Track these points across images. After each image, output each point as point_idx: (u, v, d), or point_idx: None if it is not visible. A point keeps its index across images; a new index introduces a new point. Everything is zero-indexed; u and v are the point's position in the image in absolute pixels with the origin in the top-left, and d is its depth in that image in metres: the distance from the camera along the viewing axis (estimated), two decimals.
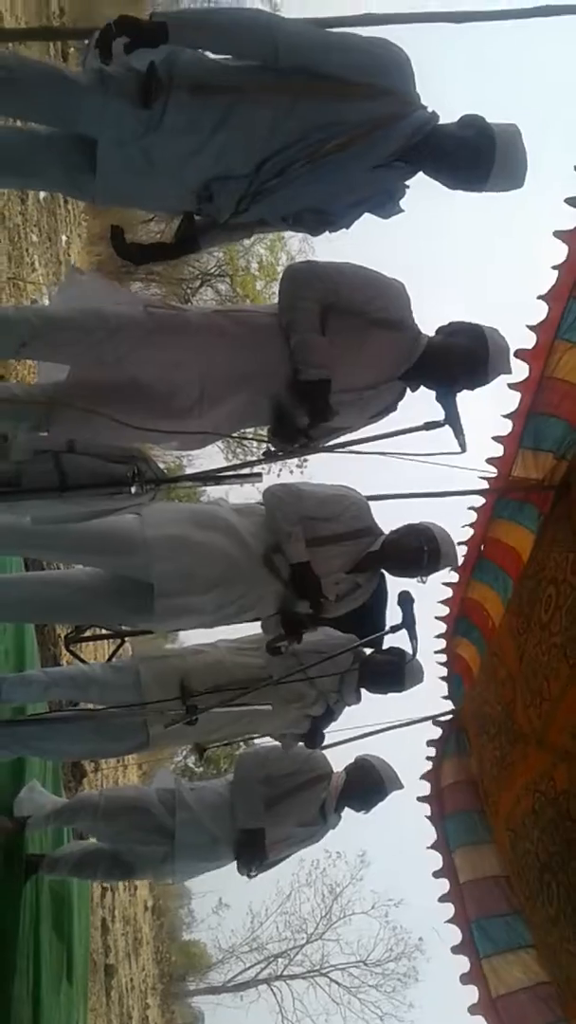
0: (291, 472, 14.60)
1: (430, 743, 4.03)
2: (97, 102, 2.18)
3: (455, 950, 3.56)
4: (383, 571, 3.24)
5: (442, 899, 3.70)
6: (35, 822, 3.63)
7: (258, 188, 2.31)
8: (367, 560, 3.14)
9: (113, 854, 3.83)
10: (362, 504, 3.15)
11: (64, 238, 8.84)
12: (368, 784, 3.75)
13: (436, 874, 3.76)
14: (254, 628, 3.48)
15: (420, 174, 2.48)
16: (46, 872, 3.81)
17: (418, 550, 3.09)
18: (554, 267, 2.65)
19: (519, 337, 2.81)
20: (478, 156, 2.34)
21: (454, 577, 3.67)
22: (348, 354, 2.59)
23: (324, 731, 3.68)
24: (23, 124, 2.52)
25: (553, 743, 2.98)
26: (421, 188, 2.51)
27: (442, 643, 3.94)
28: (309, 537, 2.99)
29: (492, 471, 3.20)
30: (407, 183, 2.49)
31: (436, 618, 3.83)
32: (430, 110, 2.37)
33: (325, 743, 3.80)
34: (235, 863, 3.80)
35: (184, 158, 2.27)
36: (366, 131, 2.27)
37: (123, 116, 2.20)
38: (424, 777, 4.01)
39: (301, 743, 3.66)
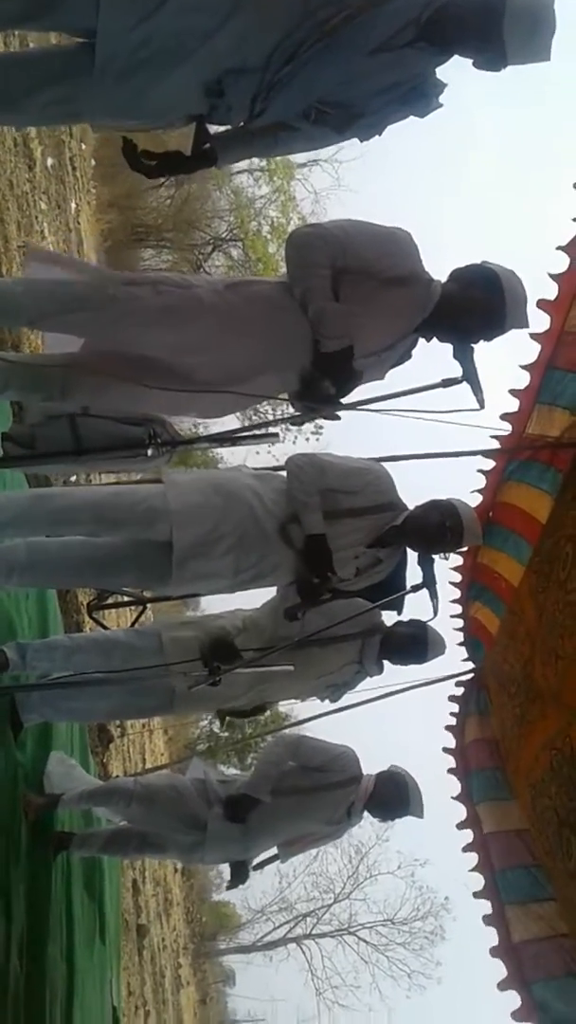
0: (307, 440, 14.57)
1: (452, 699, 4.04)
2: None
3: (477, 895, 3.60)
4: (406, 548, 3.19)
5: (466, 849, 3.73)
6: (68, 800, 3.68)
7: (271, 81, 2.16)
8: (389, 535, 3.10)
9: (143, 834, 3.89)
10: (386, 479, 3.10)
11: (73, 205, 8.78)
12: (395, 800, 3.80)
13: (460, 825, 3.79)
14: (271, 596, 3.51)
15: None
16: (76, 849, 3.87)
17: (440, 526, 3.03)
18: (575, 219, 2.59)
19: (538, 283, 2.75)
20: (487, 16, 2.13)
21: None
22: (364, 318, 2.54)
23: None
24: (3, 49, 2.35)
25: (569, 701, 2.97)
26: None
27: (458, 608, 3.93)
28: (329, 509, 2.95)
29: (506, 428, 3.17)
30: (440, 78, 2.32)
31: (450, 583, 3.83)
32: None
33: (350, 704, 3.85)
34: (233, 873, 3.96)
35: (197, 41, 2.09)
36: (372, 1, 2.11)
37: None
38: (449, 729, 4.02)
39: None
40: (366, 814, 3.91)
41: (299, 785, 3.70)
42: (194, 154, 2.37)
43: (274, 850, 3.97)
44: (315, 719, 4.24)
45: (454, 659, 3.99)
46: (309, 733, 4.14)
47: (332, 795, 3.76)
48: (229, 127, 2.35)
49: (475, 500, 3.47)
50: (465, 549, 3.61)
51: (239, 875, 4.00)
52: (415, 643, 3.57)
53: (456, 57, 2.28)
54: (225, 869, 4.10)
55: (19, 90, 2.16)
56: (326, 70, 2.19)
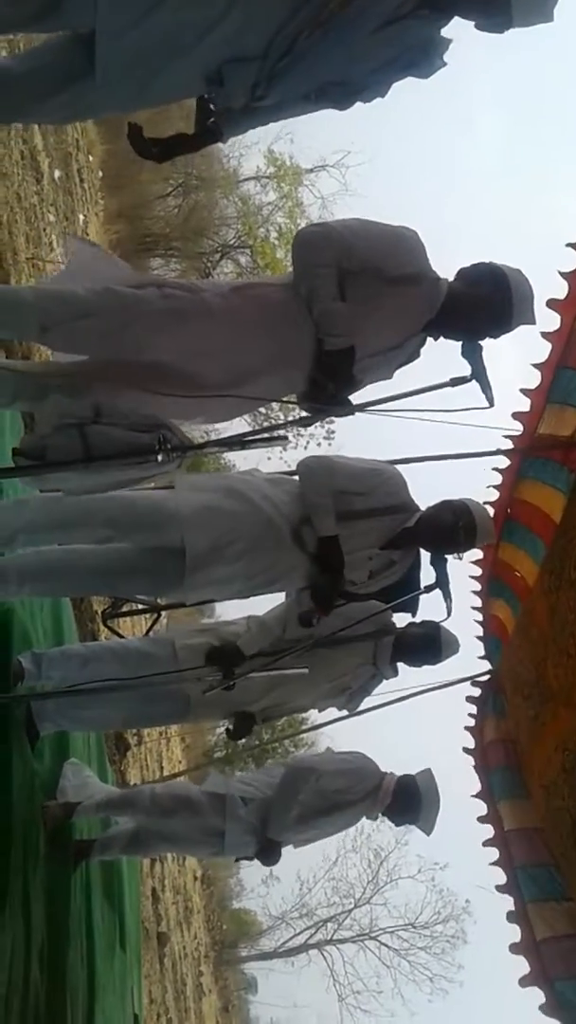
0: (318, 444, 14.59)
1: (469, 699, 4.03)
2: None
3: (500, 889, 3.56)
4: (419, 548, 3.18)
5: (486, 843, 3.71)
6: (84, 809, 3.68)
7: (270, 71, 2.13)
8: (402, 536, 3.09)
9: (162, 832, 3.90)
10: (398, 479, 3.09)
11: (82, 217, 8.82)
12: (406, 812, 3.81)
13: (481, 819, 3.77)
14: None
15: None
16: (97, 854, 3.89)
17: (453, 526, 3.03)
18: None
19: (549, 282, 2.74)
20: None
21: None
22: (371, 317, 2.54)
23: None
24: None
25: None
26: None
27: (476, 602, 3.92)
28: (341, 511, 2.95)
29: (518, 428, 3.16)
30: (445, 35, 2.25)
31: (471, 576, 3.80)
32: None
33: (367, 707, 3.85)
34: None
35: (197, 35, 2.07)
36: None
37: None
38: (468, 729, 4.01)
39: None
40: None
41: (318, 807, 3.72)
42: (199, 132, 2.35)
43: None
44: (332, 723, 4.25)
45: (470, 658, 3.99)
46: (329, 739, 4.15)
47: (351, 810, 3.78)
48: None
49: (492, 496, 3.46)
50: (485, 545, 3.60)
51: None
52: (429, 644, 3.57)
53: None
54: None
55: (25, 100, 2.19)
56: (327, 56, 2.15)
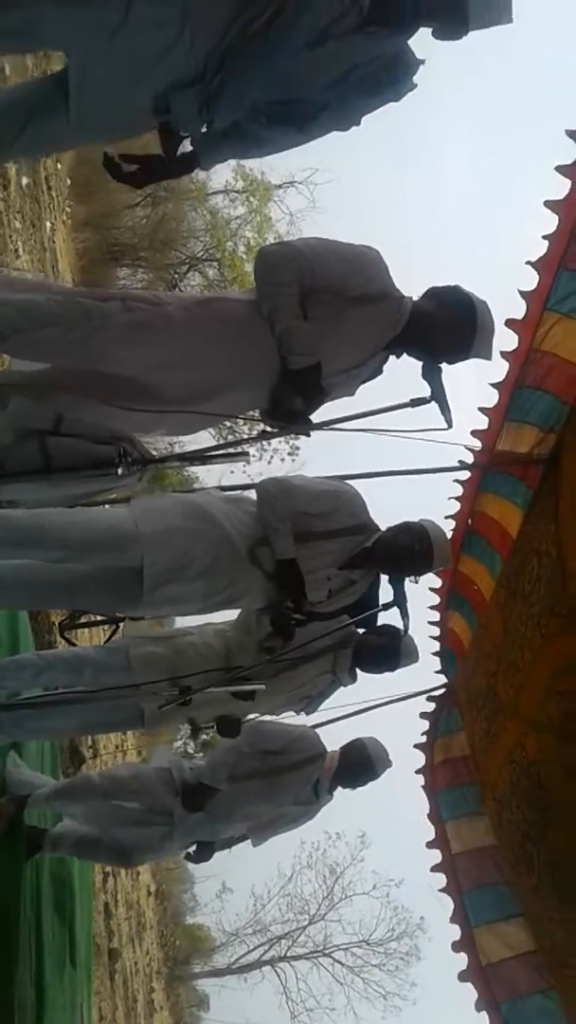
0: (282, 460, 14.60)
1: (423, 715, 4.05)
2: (56, 11, 2.00)
3: (453, 919, 3.60)
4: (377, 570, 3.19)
5: (435, 869, 3.73)
6: (35, 800, 3.64)
7: (207, 93, 2.15)
8: (360, 557, 3.11)
9: (113, 840, 3.84)
10: (357, 501, 3.11)
11: (48, 224, 8.77)
12: (360, 765, 3.77)
13: (429, 844, 3.79)
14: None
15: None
16: (48, 848, 3.83)
17: (409, 549, 3.04)
18: (544, 237, 2.64)
19: (508, 302, 2.79)
20: None
21: None
22: (333, 336, 2.56)
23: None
24: None
25: (524, 713, 3.00)
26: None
27: (434, 616, 3.95)
28: (300, 531, 2.95)
29: (477, 444, 3.21)
30: (413, 56, 2.24)
31: (431, 589, 3.83)
32: None
33: (321, 721, 3.85)
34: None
35: (155, 59, 2.10)
36: None
37: (86, 20, 2.03)
38: (418, 747, 4.02)
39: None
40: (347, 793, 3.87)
41: (258, 769, 3.66)
42: (174, 160, 2.35)
43: (243, 831, 3.94)
44: None
45: (428, 671, 4.01)
46: None
47: (294, 776, 3.72)
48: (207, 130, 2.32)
49: (454, 508, 3.49)
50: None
51: (203, 854, 3.96)
52: (387, 652, 3.57)
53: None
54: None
55: (4, 139, 2.22)
56: (257, 72, 2.15)
